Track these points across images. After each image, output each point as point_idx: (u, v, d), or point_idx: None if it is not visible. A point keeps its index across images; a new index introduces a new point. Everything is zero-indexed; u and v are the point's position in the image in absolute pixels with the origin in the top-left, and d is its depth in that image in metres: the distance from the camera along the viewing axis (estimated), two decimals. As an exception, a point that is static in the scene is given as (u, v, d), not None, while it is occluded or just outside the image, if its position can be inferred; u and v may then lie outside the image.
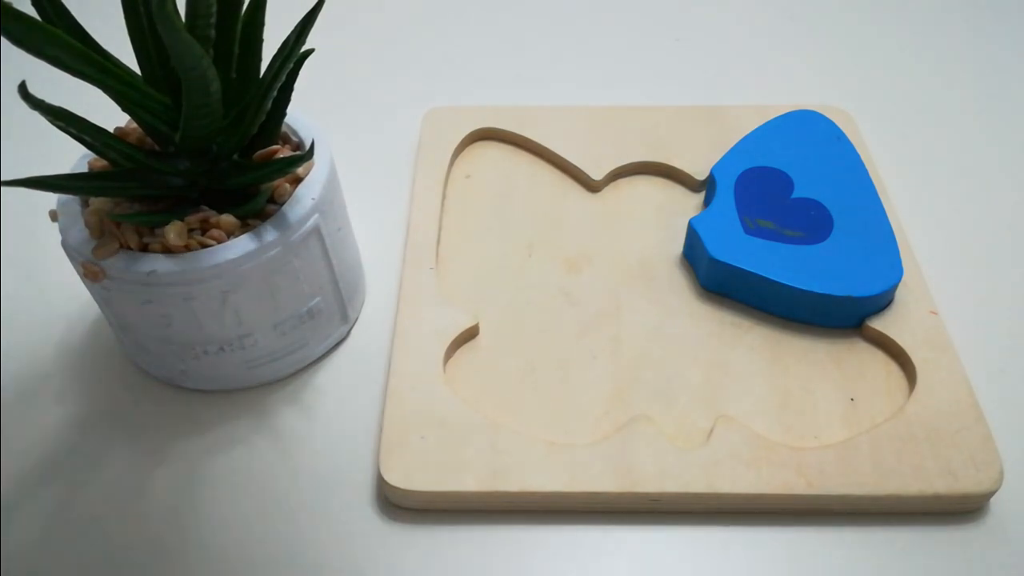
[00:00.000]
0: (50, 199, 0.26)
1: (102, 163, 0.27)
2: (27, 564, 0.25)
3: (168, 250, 0.25)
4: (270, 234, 0.25)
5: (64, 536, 0.25)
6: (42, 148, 0.33)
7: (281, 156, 0.27)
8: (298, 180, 0.27)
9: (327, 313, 0.29)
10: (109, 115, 0.26)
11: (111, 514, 0.26)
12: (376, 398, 0.28)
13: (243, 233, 0.25)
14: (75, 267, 0.26)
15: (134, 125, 0.28)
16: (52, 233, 0.27)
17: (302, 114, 0.29)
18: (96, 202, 0.26)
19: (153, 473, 0.27)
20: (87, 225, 0.25)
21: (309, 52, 0.25)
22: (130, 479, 0.27)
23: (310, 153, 0.26)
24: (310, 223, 0.26)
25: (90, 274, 0.25)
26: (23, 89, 0.21)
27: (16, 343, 0.31)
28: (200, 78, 0.22)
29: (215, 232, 0.25)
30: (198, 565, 0.25)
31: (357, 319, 0.31)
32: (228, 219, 0.25)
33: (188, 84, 0.22)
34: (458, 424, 0.26)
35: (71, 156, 0.28)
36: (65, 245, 0.26)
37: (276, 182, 0.26)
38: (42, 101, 0.22)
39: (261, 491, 0.26)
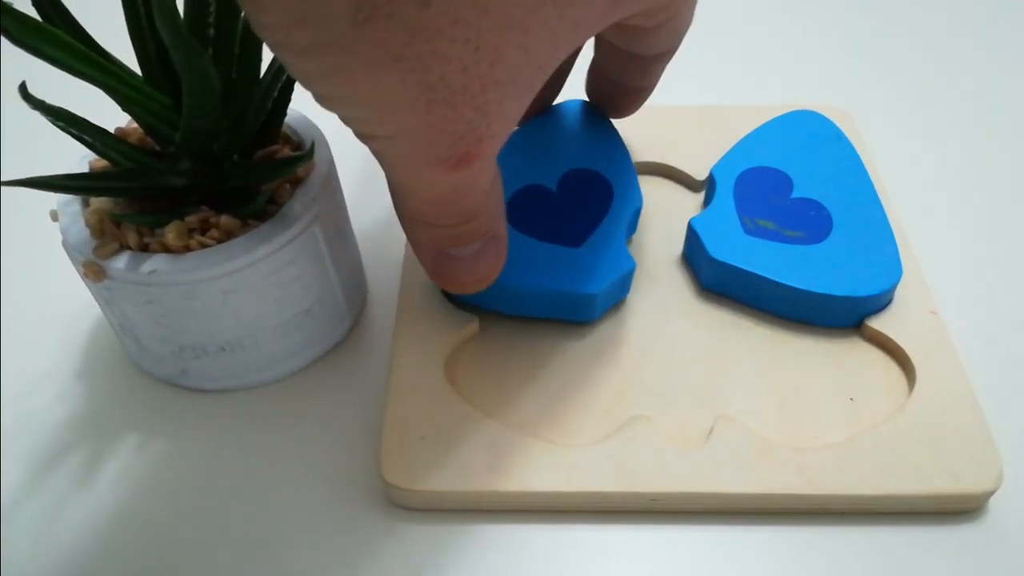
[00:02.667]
0: (50, 199, 0.26)
1: (103, 163, 0.27)
2: (28, 566, 0.25)
3: (168, 250, 0.25)
4: (270, 235, 0.25)
5: (65, 537, 0.25)
6: (41, 148, 0.33)
7: (282, 156, 0.27)
8: (298, 181, 0.27)
9: (327, 314, 0.29)
10: (109, 115, 0.26)
11: (111, 514, 0.26)
12: (377, 398, 0.28)
13: (243, 233, 0.25)
14: (76, 267, 0.26)
15: (135, 125, 0.28)
16: (52, 233, 0.27)
17: (302, 114, 0.29)
18: (96, 202, 0.26)
19: (152, 474, 0.27)
20: (88, 225, 0.25)
21: None
22: (130, 479, 0.27)
23: (310, 154, 0.26)
24: (310, 224, 0.26)
25: (91, 274, 0.25)
26: (23, 90, 0.21)
27: (16, 343, 0.31)
28: (200, 78, 0.22)
29: (215, 232, 0.25)
30: (197, 565, 0.25)
31: (358, 319, 0.31)
32: (228, 219, 0.25)
33: (188, 84, 0.22)
34: (458, 424, 0.26)
35: (71, 156, 0.28)
36: (66, 245, 0.26)
37: (276, 183, 0.27)
38: (42, 101, 0.22)
39: (261, 491, 0.26)
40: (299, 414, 0.28)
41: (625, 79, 0.30)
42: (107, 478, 0.27)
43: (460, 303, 0.29)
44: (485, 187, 0.23)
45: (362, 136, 0.20)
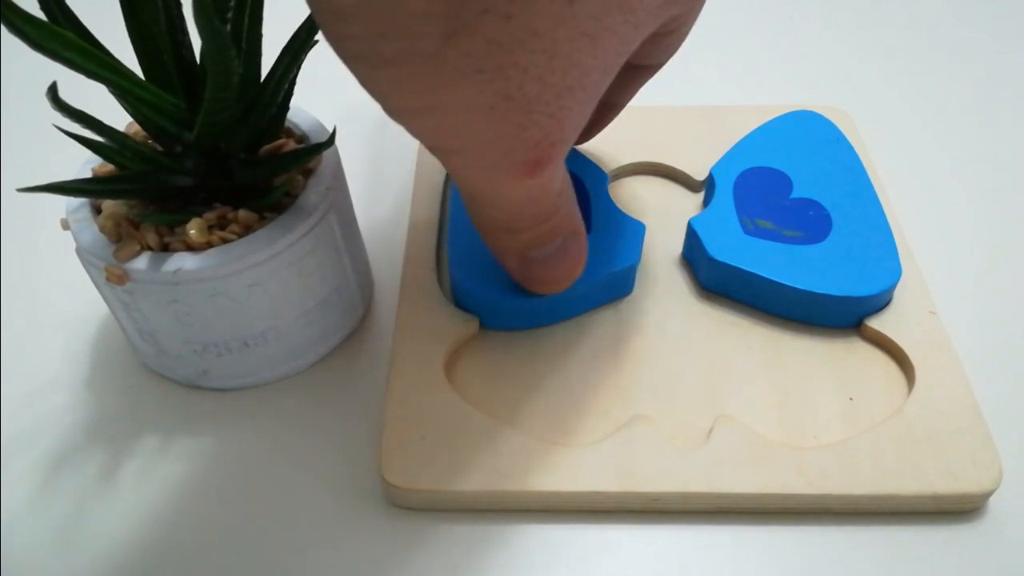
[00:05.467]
0: (49, 207, 0.26)
1: (107, 168, 0.27)
2: (46, 571, 0.25)
3: (190, 248, 0.25)
4: (290, 224, 0.26)
5: (79, 545, 0.25)
6: (36, 159, 0.33)
7: (291, 149, 0.28)
8: (309, 171, 0.27)
9: (344, 302, 0.29)
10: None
11: (127, 518, 0.26)
12: (379, 396, 0.28)
13: (262, 226, 0.25)
14: (91, 273, 0.26)
15: (135, 129, 0.28)
16: (48, 241, 0.26)
17: (301, 108, 0.29)
18: (109, 207, 0.26)
19: (155, 475, 0.27)
20: (102, 230, 0.25)
21: (315, 42, 0.25)
22: (132, 482, 0.27)
23: (331, 141, 0.26)
24: (326, 212, 0.27)
25: (114, 277, 0.25)
26: (54, 93, 0.21)
27: (21, 353, 0.31)
28: (226, 71, 0.22)
29: (235, 227, 0.25)
30: (197, 563, 0.25)
31: (369, 309, 0.31)
32: (246, 214, 0.26)
33: (214, 76, 0.22)
34: (458, 424, 0.26)
35: (68, 166, 0.28)
36: (81, 251, 0.26)
37: (290, 174, 0.27)
38: (69, 105, 0.22)
39: (260, 490, 0.26)
40: (298, 414, 0.28)
41: (607, 93, 0.31)
42: (118, 485, 0.27)
43: (478, 319, 0.29)
44: (558, 188, 0.23)
45: (436, 149, 0.21)
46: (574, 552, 0.25)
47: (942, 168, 0.37)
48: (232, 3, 0.24)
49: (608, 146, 0.36)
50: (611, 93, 0.30)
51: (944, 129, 0.39)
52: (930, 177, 0.37)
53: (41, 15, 0.22)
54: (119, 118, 0.25)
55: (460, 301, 0.30)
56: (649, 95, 0.41)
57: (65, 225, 0.26)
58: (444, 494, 0.25)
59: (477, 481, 0.25)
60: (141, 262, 0.25)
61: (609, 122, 0.32)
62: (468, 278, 0.29)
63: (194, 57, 0.25)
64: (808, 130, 0.34)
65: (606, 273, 0.29)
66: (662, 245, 0.32)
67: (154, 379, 0.29)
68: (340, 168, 0.28)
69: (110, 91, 0.23)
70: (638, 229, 0.30)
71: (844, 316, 0.29)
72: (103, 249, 0.25)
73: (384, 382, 0.29)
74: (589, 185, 0.32)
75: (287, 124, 0.29)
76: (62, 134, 0.24)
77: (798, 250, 0.30)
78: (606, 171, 0.33)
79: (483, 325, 0.29)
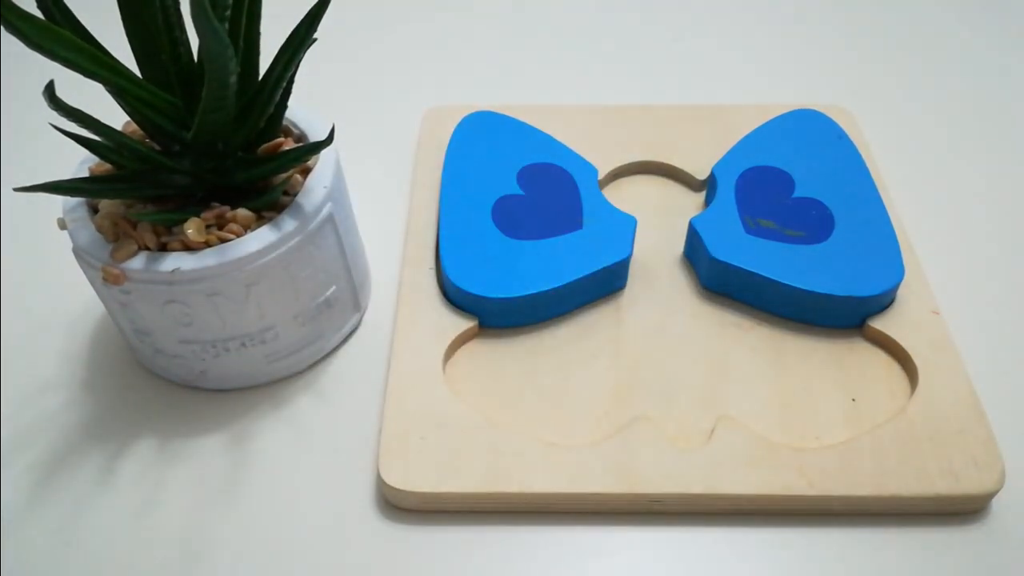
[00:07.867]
0: (46, 207, 0.26)
1: (104, 168, 0.27)
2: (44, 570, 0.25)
3: (188, 248, 0.25)
4: (289, 224, 0.25)
5: (79, 545, 0.25)
6: (35, 160, 0.32)
7: (289, 148, 0.27)
8: (307, 170, 0.27)
9: (342, 302, 0.29)
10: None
11: (113, 517, 0.26)
12: (377, 397, 0.28)
13: (260, 226, 0.25)
14: (88, 273, 0.26)
15: (132, 128, 0.28)
16: (42, 241, 0.26)
17: (299, 106, 0.29)
18: (106, 206, 0.26)
19: (151, 475, 0.27)
20: (99, 230, 0.25)
21: (314, 40, 0.25)
22: (123, 481, 0.27)
23: (330, 139, 0.26)
24: (325, 211, 0.26)
25: (111, 278, 0.25)
26: (50, 91, 0.21)
27: (17, 355, 0.31)
28: (223, 67, 0.22)
29: (233, 227, 0.25)
30: (197, 563, 0.25)
31: (367, 309, 0.31)
32: (244, 213, 0.26)
33: (211, 73, 0.22)
34: (458, 424, 0.26)
35: (65, 166, 0.27)
36: (78, 251, 0.25)
37: (290, 173, 0.27)
38: (65, 104, 0.21)
39: (259, 492, 0.26)
40: (296, 415, 0.28)
41: None
42: (116, 485, 0.27)
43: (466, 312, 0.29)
44: None
45: None
46: (575, 553, 0.25)
47: (945, 167, 0.37)
48: (230, 1, 0.24)
49: (609, 145, 0.36)
50: None
51: (948, 128, 0.39)
52: (933, 176, 0.36)
53: (39, 14, 0.22)
54: (116, 117, 0.25)
55: (456, 300, 0.29)
56: (650, 94, 0.41)
57: (62, 225, 0.26)
58: (443, 495, 0.25)
59: (476, 482, 0.25)
60: (138, 262, 0.25)
61: None
62: (461, 277, 0.29)
63: (192, 56, 0.25)
64: (810, 129, 0.34)
65: (598, 267, 0.29)
66: (663, 245, 0.32)
67: (152, 379, 0.29)
68: (339, 167, 0.28)
69: (107, 90, 0.23)
70: (629, 223, 0.30)
71: (846, 316, 0.29)
72: (100, 249, 0.25)
73: (383, 382, 0.29)
74: (579, 181, 0.32)
75: (285, 123, 0.29)
76: (59, 133, 0.24)
77: (800, 250, 0.29)
78: (596, 167, 0.33)
79: (482, 324, 0.29)
